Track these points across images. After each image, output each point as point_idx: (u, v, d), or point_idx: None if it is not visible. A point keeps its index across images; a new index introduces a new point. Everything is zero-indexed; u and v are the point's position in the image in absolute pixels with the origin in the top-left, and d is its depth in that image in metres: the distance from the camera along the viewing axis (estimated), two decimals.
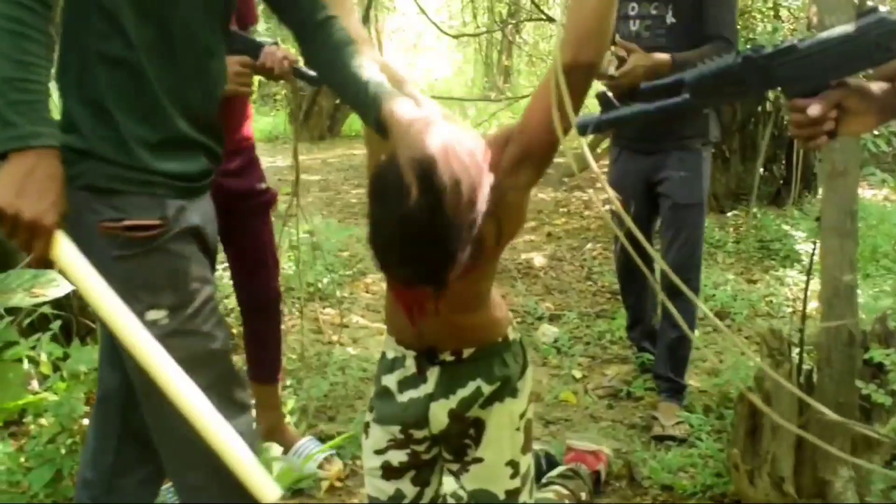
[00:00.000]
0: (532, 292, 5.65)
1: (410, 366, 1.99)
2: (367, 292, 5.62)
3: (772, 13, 8.85)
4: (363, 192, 8.65)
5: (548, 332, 4.70)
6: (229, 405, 1.93)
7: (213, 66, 2.04)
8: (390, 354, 2.05)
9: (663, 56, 3.35)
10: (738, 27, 8.32)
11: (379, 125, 1.77)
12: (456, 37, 10.54)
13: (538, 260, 6.42)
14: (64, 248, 1.71)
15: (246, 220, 3.08)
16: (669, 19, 3.50)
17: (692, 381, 3.98)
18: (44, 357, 3.25)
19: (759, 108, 7.53)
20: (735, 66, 1.59)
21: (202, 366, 1.89)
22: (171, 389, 1.72)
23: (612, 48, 3.32)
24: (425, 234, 1.55)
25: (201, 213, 2.03)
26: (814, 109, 1.53)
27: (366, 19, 14.48)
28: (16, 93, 1.65)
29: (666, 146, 3.59)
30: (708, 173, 3.69)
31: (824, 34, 1.54)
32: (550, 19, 10.75)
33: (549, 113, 1.56)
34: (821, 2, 2.83)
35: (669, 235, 3.65)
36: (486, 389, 1.95)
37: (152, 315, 1.85)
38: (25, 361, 3.22)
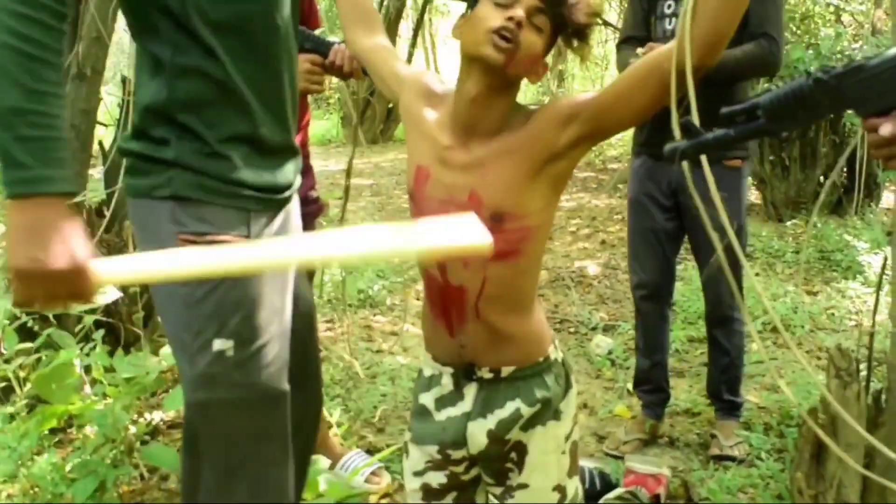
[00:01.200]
0: (586, 301, 5.56)
1: (447, 383, 1.93)
2: (418, 299, 5.56)
3: (834, 17, 8.69)
4: None
5: (602, 343, 4.60)
6: (283, 452, 1.89)
7: (292, 67, 1.98)
8: (427, 372, 1.99)
9: None
10: (800, 32, 8.21)
11: None
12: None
13: (592, 268, 6.34)
14: (105, 272, 1.53)
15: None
16: None
17: (751, 396, 3.87)
18: (97, 362, 3.24)
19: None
20: (806, 89, 1.50)
21: (261, 405, 1.86)
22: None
23: (639, 51, 3.13)
24: None
25: (288, 228, 2.00)
26: (886, 129, 1.44)
27: (419, 24, 14.51)
28: (27, 127, 1.49)
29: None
30: (746, 191, 3.54)
31: (892, 51, 1.45)
32: (607, 24, 10.63)
33: (649, 96, 1.67)
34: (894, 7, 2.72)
35: (707, 254, 3.36)
36: (526, 412, 1.88)
37: (219, 345, 1.80)
38: (78, 366, 3.19)
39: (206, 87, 1.76)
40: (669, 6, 3.35)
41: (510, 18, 1.68)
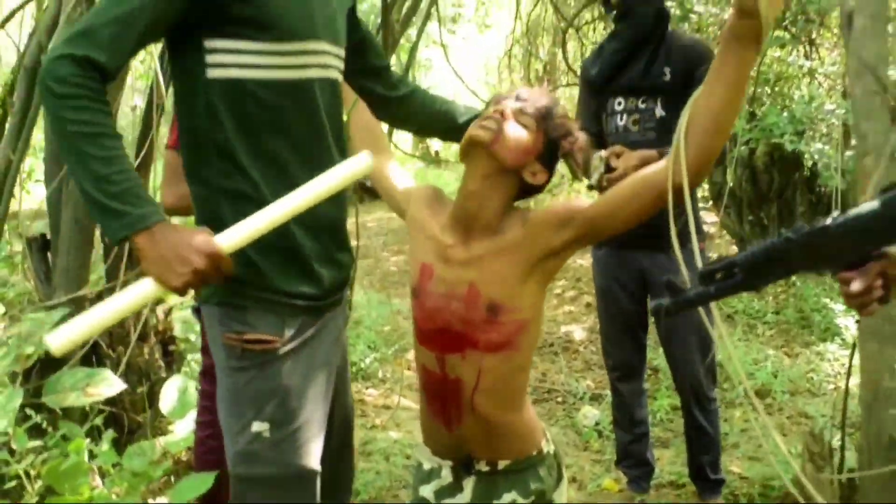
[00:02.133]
0: (573, 368, 5.69)
1: (447, 476, 2.10)
2: (409, 370, 5.66)
3: (808, 77, 8.91)
4: (403, 260, 8.73)
5: (589, 414, 4.73)
6: None
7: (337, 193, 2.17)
8: (426, 465, 2.15)
9: (650, 153, 3.17)
10: (773, 94, 8.40)
11: None
12: (489, 103, 10.63)
13: (578, 333, 6.46)
14: (227, 244, 1.87)
15: None
16: (659, 112, 3.42)
17: (734, 466, 4.00)
18: (105, 448, 3.33)
19: (797, 175, 7.56)
20: (779, 247, 1.65)
21: (293, 481, 2.07)
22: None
23: (602, 154, 3.21)
24: None
25: (327, 328, 2.18)
26: (856, 286, 1.59)
27: (408, 68, 14.73)
28: (111, 185, 1.76)
29: (662, 244, 3.28)
30: None
31: (853, 211, 1.59)
32: None
33: (642, 206, 1.88)
34: (857, 108, 2.90)
35: (679, 342, 3.53)
36: (522, 503, 2.03)
37: (256, 427, 2.02)
38: (86, 456, 3.29)
39: (248, 209, 1.94)
40: (619, 103, 3.47)
41: (496, 111, 1.97)
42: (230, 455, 2.07)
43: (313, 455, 2.11)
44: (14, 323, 4.23)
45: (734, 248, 8.14)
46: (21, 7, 11.81)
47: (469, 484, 2.08)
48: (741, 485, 3.88)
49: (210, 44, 1.96)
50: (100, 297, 3.76)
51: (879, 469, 2.71)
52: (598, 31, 11.82)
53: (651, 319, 3.66)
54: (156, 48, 4.16)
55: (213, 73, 1.97)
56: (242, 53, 1.97)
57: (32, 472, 3.00)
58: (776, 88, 8.60)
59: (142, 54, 4.39)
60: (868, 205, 1.58)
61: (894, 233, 1.55)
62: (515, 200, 2.06)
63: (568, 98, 16.96)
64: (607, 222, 1.93)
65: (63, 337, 1.77)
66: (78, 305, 3.63)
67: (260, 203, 1.95)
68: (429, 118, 2.50)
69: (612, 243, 3.54)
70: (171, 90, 2.36)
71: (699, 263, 3.22)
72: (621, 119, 3.47)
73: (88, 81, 1.79)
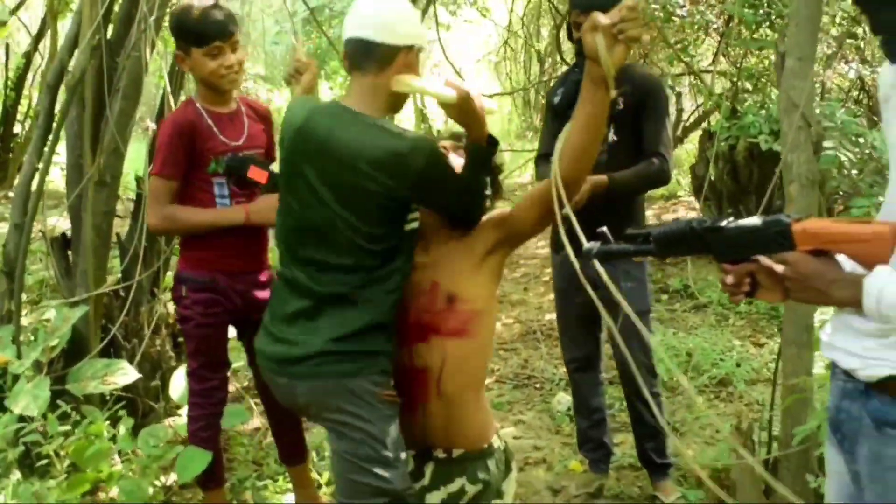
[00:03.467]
0: (553, 356, 6.07)
1: (411, 464, 2.56)
2: None
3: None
4: None
5: (562, 400, 5.13)
6: None
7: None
8: None
9: (600, 177, 3.57)
10: (753, 90, 8.74)
11: None
12: (491, 96, 10.99)
13: None
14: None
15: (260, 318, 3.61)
16: (611, 137, 3.78)
17: (690, 449, 4.41)
18: (122, 431, 3.75)
19: (776, 170, 7.91)
20: (685, 232, 2.08)
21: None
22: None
23: None
24: None
25: None
26: (728, 278, 2.01)
27: None
28: None
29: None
30: (648, 280, 4.03)
31: (743, 221, 2.00)
32: None
33: (538, 213, 2.43)
34: (785, 141, 3.28)
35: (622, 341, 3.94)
36: (470, 489, 2.52)
37: (391, 455, 2.49)
38: (105, 436, 3.71)
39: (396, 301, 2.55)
40: None
41: None
42: (375, 480, 2.50)
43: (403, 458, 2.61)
44: (34, 309, 4.66)
45: None
46: None
47: (428, 470, 2.55)
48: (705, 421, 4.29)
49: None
50: (116, 295, 4.19)
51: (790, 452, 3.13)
52: None
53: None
54: (165, 62, 4.57)
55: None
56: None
57: (62, 453, 3.42)
58: (756, 86, 8.92)
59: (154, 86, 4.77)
60: (753, 219, 1.99)
61: (767, 246, 1.96)
62: None
63: None
64: (521, 227, 2.51)
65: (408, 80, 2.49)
66: (97, 302, 4.05)
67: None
68: None
69: (561, 246, 3.92)
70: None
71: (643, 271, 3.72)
72: None
73: None
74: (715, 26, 8.27)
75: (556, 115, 3.93)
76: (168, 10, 4.18)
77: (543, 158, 3.96)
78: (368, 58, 2.53)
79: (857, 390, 1.89)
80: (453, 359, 2.45)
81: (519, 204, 2.50)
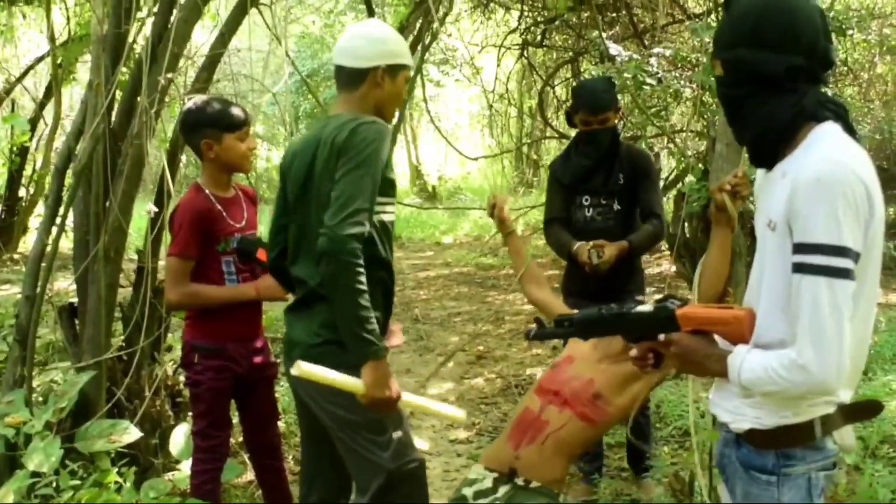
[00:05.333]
0: None
1: (487, 482, 3.12)
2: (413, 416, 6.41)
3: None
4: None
5: None
6: None
7: None
8: (472, 475, 3.20)
9: (622, 243, 4.39)
10: None
11: None
12: (475, 159, 11.45)
13: (540, 374, 7.20)
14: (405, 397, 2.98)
15: (258, 385, 4.03)
16: (616, 206, 4.57)
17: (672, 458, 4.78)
18: (128, 485, 4.10)
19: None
20: (595, 317, 2.51)
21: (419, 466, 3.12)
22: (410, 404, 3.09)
23: (592, 245, 4.34)
24: None
25: None
26: (633, 353, 2.45)
27: (401, 117, 15.56)
28: (369, 325, 2.82)
29: (613, 298, 4.39)
30: None
31: (640, 308, 2.43)
32: (563, 136, 11.67)
33: None
34: None
35: None
36: None
37: (395, 434, 3.02)
38: (112, 487, 4.06)
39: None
40: (586, 199, 4.59)
41: None
42: (383, 462, 2.99)
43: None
44: (42, 370, 5.03)
45: (689, 296, 8.89)
46: (34, 65, 12.64)
47: (503, 490, 3.09)
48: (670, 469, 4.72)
49: None
50: (120, 359, 4.57)
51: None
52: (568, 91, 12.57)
53: None
54: (164, 151, 4.98)
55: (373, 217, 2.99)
56: (386, 204, 3.07)
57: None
58: None
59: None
60: (647, 307, 2.41)
61: (659, 327, 2.37)
62: None
63: (545, 149, 17.72)
64: None
65: (307, 368, 2.84)
66: (101, 367, 4.43)
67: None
68: None
69: (578, 294, 4.60)
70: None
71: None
72: (588, 212, 4.60)
73: (360, 252, 2.80)
74: (685, 94, 8.69)
75: (564, 188, 4.65)
76: (166, 103, 4.61)
77: (552, 223, 4.69)
78: (342, 80, 3.17)
79: (732, 440, 2.34)
80: (569, 430, 3.08)
81: None
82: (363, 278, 2.81)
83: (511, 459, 3.12)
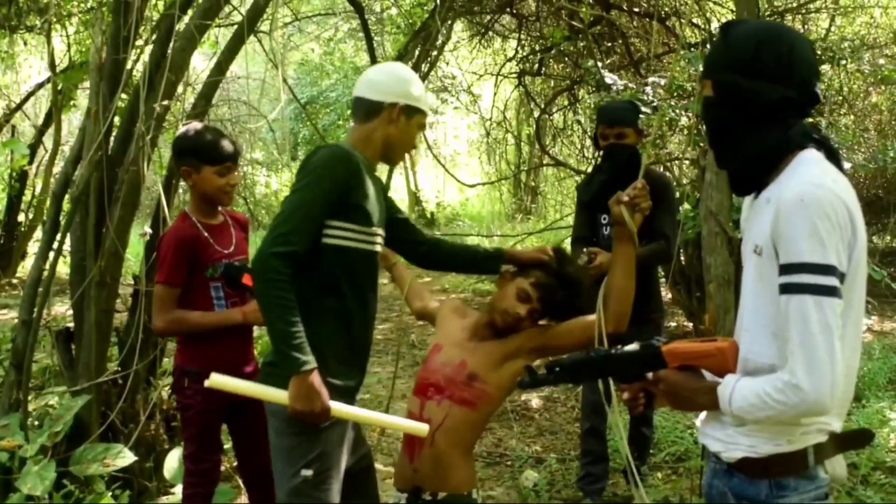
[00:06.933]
0: (526, 434, 6.47)
1: (402, 501, 3.08)
2: (384, 435, 6.44)
3: None
4: (387, 328, 9.48)
5: (530, 477, 5.51)
6: None
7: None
8: (391, 501, 3.16)
9: None
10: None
11: (498, 266, 3.31)
12: (473, 185, 11.51)
13: (535, 402, 7.25)
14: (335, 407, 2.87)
15: (249, 410, 3.98)
16: None
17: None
18: None
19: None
20: (585, 360, 2.52)
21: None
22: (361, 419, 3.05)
23: (586, 249, 4.39)
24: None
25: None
26: (624, 395, 2.45)
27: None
28: (295, 339, 2.78)
29: (632, 318, 4.55)
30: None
31: (627, 348, 2.44)
32: (560, 164, 11.73)
33: (580, 342, 2.96)
34: (705, 245, 3.73)
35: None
36: None
37: (304, 473, 2.95)
38: None
39: (337, 326, 3.05)
40: (605, 218, 4.73)
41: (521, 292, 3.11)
42: (282, 493, 3.00)
43: (336, 494, 3.03)
44: (38, 395, 5.06)
45: (685, 322, 8.95)
46: (35, 91, 12.71)
47: None
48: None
49: (329, 221, 2.98)
50: (115, 383, 4.60)
51: None
52: (569, 117, 12.63)
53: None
54: (160, 176, 5.02)
55: (326, 241, 2.98)
56: (349, 231, 3.01)
57: None
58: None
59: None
60: (634, 346, 2.43)
61: (647, 366, 2.39)
62: None
63: (543, 176, 17.74)
64: (557, 343, 3.05)
65: (221, 380, 2.90)
66: (97, 391, 4.46)
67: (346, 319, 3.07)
68: (451, 260, 3.52)
69: None
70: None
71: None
72: (606, 230, 4.75)
73: (288, 270, 2.81)
74: (681, 122, 8.75)
75: (587, 208, 4.83)
76: (162, 130, 4.67)
77: (575, 243, 4.87)
78: (358, 111, 3.19)
79: (723, 470, 2.33)
80: (452, 420, 2.98)
81: (565, 327, 3.06)
82: (288, 294, 2.82)
83: (412, 475, 3.06)
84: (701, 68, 5.72)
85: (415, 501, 3.02)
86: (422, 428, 2.92)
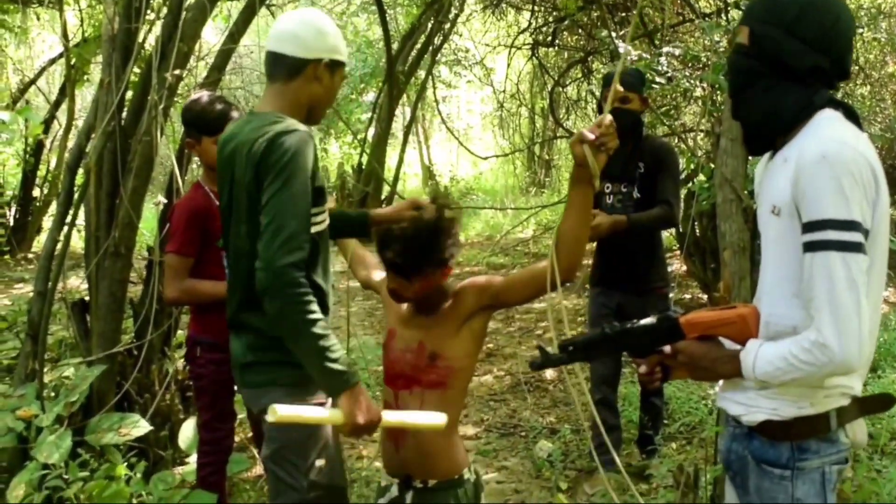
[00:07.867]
0: (540, 405, 6.48)
1: (395, 491, 2.97)
2: None
3: None
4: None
5: (544, 447, 5.51)
6: None
7: None
8: (384, 482, 3.04)
9: (620, 217, 4.60)
10: None
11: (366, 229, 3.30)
12: (486, 158, 11.47)
13: (549, 373, 7.24)
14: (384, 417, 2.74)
15: None
16: (636, 195, 4.76)
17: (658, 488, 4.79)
18: (137, 478, 4.14)
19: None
20: (597, 338, 2.48)
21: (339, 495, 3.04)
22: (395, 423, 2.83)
23: None
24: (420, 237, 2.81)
25: None
26: (641, 369, 2.42)
27: (412, 118, 15.63)
28: (333, 353, 2.62)
29: (638, 288, 4.83)
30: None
31: (643, 321, 2.41)
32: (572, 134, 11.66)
33: (532, 292, 2.79)
34: (720, 212, 3.69)
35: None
36: None
37: (318, 463, 2.91)
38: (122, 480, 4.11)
39: None
40: (608, 187, 4.77)
41: None
42: (301, 487, 2.91)
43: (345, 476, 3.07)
44: (54, 366, 5.08)
45: (700, 294, 8.93)
46: (48, 66, 12.73)
47: (408, 497, 2.94)
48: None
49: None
50: (130, 353, 4.61)
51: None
52: (582, 88, 12.56)
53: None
54: (174, 146, 5.02)
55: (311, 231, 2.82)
56: (318, 214, 2.84)
57: (81, 497, 3.82)
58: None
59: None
60: (650, 319, 2.41)
61: (664, 339, 2.37)
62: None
63: (557, 149, 17.66)
64: (509, 296, 2.88)
65: (283, 412, 2.55)
66: (112, 361, 4.48)
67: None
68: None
69: (603, 283, 4.94)
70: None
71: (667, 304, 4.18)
72: (609, 199, 4.81)
73: (305, 280, 2.63)
74: (696, 93, 8.70)
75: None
76: (176, 100, 4.66)
77: None
78: (278, 69, 2.90)
79: (742, 434, 2.31)
80: (429, 405, 2.84)
81: (515, 277, 2.91)
82: (314, 307, 2.62)
83: (400, 463, 2.94)
84: (717, 38, 5.61)
85: (406, 488, 2.95)
86: (441, 417, 2.80)
